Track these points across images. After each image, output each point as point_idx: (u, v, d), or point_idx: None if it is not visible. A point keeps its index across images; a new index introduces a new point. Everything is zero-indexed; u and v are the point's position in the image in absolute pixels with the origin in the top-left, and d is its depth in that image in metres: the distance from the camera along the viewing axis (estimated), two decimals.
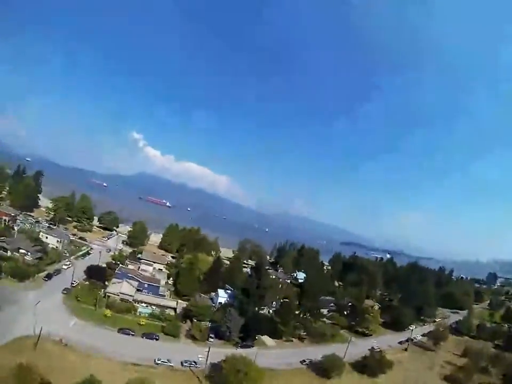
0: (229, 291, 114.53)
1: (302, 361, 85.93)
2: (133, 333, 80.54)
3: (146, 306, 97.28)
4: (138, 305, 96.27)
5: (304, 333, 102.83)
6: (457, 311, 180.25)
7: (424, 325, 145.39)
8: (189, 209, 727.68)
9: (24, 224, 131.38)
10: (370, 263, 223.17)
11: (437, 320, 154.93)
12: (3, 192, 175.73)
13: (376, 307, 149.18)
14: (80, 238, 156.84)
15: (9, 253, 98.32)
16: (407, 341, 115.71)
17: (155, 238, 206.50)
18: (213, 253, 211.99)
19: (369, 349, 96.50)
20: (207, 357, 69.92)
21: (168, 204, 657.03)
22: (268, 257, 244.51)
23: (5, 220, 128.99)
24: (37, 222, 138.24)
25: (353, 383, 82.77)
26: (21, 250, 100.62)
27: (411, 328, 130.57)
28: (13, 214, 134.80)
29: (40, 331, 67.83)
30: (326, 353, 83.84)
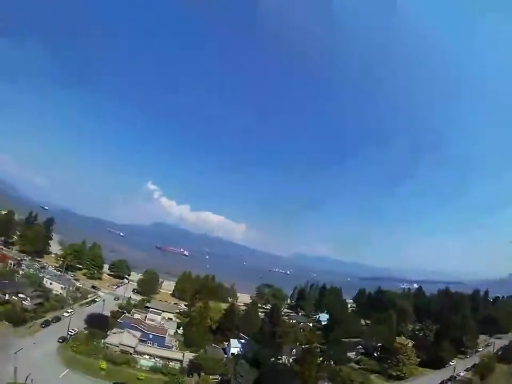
0: (242, 340, 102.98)
1: None
2: None
3: (150, 358, 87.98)
4: (140, 357, 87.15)
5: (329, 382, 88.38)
6: (500, 336, 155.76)
7: (466, 357, 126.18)
8: (207, 256, 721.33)
9: (29, 269, 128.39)
10: (398, 296, 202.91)
11: (479, 349, 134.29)
12: (13, 237, 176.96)
13: (410, 344, 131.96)
14: (92, 286, 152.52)
15: (7, 297, 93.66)
16: (449, 379, 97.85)
17: (168, 286, 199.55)
18: (230, 299, 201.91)
19: None
20: None
21: (185, 252, 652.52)
22: (289, 300, 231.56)
23: (10, 264, 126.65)
24: (43, 267, 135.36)
25: None
26: (20, 295, 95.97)
27: (452, 363, 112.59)
28: (18, 258, 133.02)
29: (26, 380, 60.99)
30: None
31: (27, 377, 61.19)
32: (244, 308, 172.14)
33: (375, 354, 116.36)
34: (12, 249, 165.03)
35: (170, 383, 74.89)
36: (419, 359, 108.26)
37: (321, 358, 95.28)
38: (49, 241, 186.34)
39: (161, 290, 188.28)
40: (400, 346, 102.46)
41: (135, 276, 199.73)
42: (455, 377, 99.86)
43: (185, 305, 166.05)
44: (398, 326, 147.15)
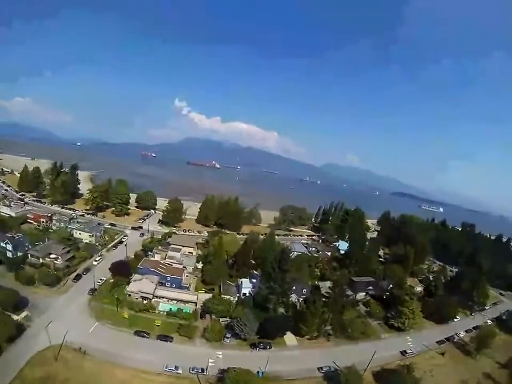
0: (254, 280, 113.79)
1: (320, 369, 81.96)
2: (147, 336, 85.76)
3: (167, 301, 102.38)
4: (159, 300, 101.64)
5: (331, 328, 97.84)
6: None
7: (471, 314, 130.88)
8: (239, 167, 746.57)
9: (60, 222, 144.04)
10: (420, 227, 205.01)
11: (486, 307, 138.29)
12: (45, 189, 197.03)
13: (420, 289, 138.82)
14: (114, 224, 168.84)
15: (41, 260, 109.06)
16: (447, 339, 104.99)
17: (194, 209, 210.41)
18: (253, 221, 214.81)
19: (400, 352, 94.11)
20: (207, 367, 72.42)
21: (217, 165, 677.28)
22: (313, 219, 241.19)
23: (42, 222, 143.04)
24: (72, 219, 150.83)
25: None
26: (52, 255, 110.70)
27: (456, 320, 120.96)
28: (49, 215, 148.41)
29: (62, 342, 75.92)
30: (351, 355, 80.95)
31: (63, 339, 76.13)
32: (266, 231, 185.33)
33: (384, 296, 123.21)
34: (45, 202, 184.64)
35: (182, 328, 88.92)
36: (424, 314, 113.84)
37: (327, 301, 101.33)
38: (78, 186, 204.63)
39: (186, 216, 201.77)
40: (408, 299, 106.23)
41: (163, 203, 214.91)
42: (454, 337, 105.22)
43: (208, 232, 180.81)
44: (413, 264, 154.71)
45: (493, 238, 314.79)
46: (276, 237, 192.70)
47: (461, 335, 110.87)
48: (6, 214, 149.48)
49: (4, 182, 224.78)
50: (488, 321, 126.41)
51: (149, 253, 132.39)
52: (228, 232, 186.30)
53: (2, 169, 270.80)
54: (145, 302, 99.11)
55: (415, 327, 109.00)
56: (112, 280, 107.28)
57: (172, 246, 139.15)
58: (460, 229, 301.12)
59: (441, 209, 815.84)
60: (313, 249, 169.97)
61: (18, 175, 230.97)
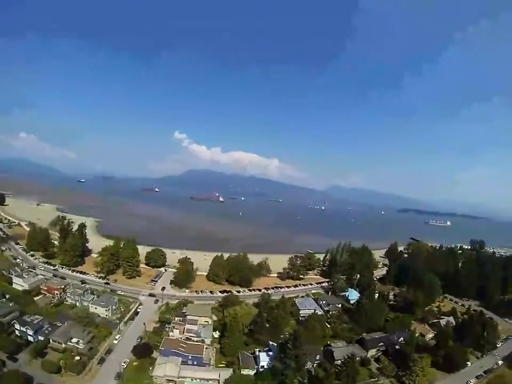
0: (271, 353, 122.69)
1: None
2: None
3: (192, 380, 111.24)
4: (184, 380, 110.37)
5: None
6: None
7: (482, 355, 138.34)
8: (243, 198, 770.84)
9: (74, 296, 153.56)
10: (428, 262, 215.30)
11: (498, 345, 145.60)
12: (53, 249, 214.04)
13: (430, 335, 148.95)
14: (127, 290, 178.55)
15: (63, 345, 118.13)
16: None
17: (203, 264, 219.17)
18: (263, 272, 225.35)
19: None
20: None
21: (220, 198, 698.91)
22: (321, 263, 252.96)
23: (56, 294, 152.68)
24: (85, 291, 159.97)
25: None
26: (73, 340, 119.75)
27: (467, 365, 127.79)
28: (62, 286, 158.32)
29: None
30: None
31: None
32: (276, 281, 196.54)
33: (395, 348, 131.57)
34: (55, 265, 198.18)
35: None
36: (434, 364, 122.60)
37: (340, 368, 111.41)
38: (87, 244, 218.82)
39: (197, 273, 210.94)
40: (416, 359, 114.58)
41: (171, 256, 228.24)
42: None
43: (220, 291, 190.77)
44: (423, 306, 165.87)
45: (504, 253, 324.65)
46: (286, 288, 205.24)
47: (472, 383, 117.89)
48: (19, 285, 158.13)
49: (8, 236, 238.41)
50: (499, 361, 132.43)
51: (167, 326, 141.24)
52: (240, 289, 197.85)
53: (9, 220, 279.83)
54: None
55: (427, 380, 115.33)
56: (136, 363, 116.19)
57: (189, 317, 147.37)
58: (469, 248, 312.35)
59: (448, 223, 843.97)
60: (323, 302, 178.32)
61: (26, 226, 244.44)
